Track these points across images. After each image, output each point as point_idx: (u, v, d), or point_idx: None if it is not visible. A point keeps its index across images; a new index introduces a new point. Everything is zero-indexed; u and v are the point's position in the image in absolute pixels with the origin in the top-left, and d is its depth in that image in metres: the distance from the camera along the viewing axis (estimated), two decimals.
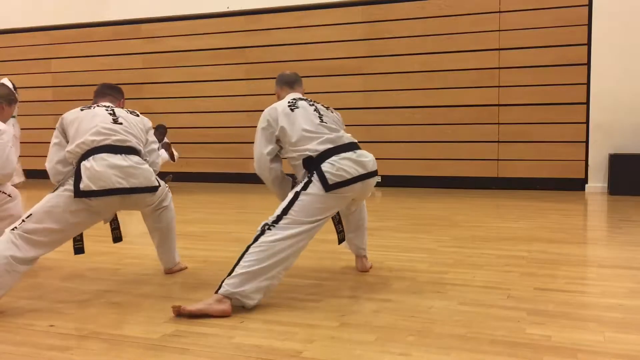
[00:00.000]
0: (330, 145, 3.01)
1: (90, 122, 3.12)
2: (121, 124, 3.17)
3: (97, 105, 3.31)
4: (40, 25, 10.36)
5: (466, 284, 3.20)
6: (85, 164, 2.95)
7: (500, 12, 8.09)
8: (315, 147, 3.00)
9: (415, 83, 8.39)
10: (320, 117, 3.12)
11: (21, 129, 8.95)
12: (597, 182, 7.77)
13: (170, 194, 3.49)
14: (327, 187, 2.90)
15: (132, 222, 5.19)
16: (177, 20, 9.71)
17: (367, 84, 8.56)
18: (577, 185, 7.84)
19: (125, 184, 2.99)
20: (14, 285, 2.88)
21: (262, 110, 3.23)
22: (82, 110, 3.23)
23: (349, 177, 2.94)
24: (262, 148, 3.15)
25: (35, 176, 9.75)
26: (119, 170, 2.98)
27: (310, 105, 3.20)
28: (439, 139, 8.40)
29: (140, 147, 3.20)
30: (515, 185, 8.02)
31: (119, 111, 3.27)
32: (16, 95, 3.90)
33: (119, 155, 3.02)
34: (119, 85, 3.59)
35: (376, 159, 3.24)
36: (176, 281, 3.40)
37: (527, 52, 7.96)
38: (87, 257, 4.06)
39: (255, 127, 3.16)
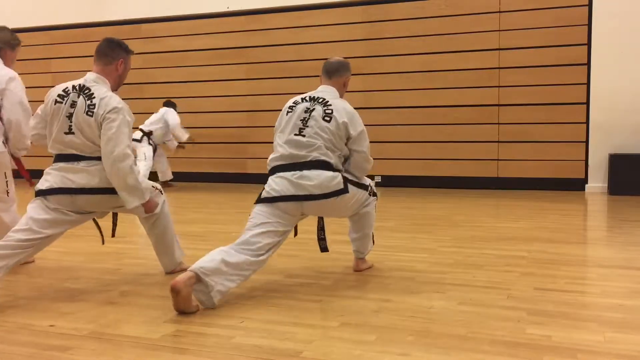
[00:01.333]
0: (279, 163, 3.15)
1: (53, 126, 3.15)
2: (73, 133, 3.10)
3: (66, 98, 3.14)
4: (40, 25, 10.37)
5: (466, 284, 3.20)
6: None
7: (500, 12, 8.10)
8: (271, 161, 3.20)
9: (415, 83, 8.39)
10: (300, 130, 3.14)
11: None
12: (597, 182, 7.77)
13: (159, 203, 3.41)
14: (257, 199, 3.12)
15: (132, 222, 5.18)
16: (177, 20, 9.71)
17: (366, 84, 8.56)
18: (577, 185, 7.84)
19: (71, 184, 3.06)
20: None
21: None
22: (57, 101, 3.14)
23: (276, 194, 3.06)
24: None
25: (36, 176, 9.75)
26: (66, 171, 3.09)
27: (305, 111, 3.18)
28: (439, 139, 8.41)
29: (89, 152, 3.11)
30: (515, 185, 8.03)
31: (76, 113, 3.10)
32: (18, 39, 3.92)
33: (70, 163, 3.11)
34: (122, 43, 3.34)
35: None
36: None
37: (527, 52, 7.96)
38: (87, 257, 4.06)
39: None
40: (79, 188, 3.07)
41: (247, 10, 9.32)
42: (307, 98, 3.25)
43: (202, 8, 9.46)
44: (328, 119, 3.14)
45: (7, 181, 3.77)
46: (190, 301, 2.74)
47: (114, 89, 3.27)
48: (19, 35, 3.99)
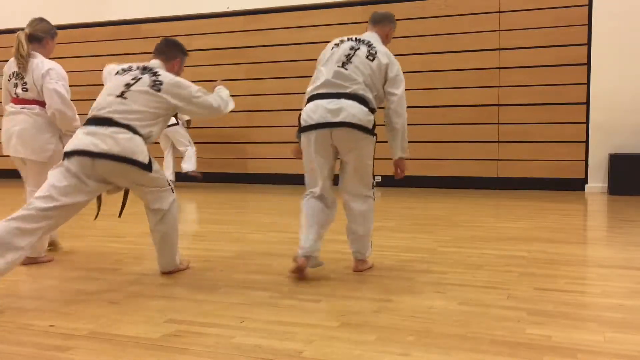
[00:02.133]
0: (319, 91, 3.30)
1: (103, 90, 3.33)
2: (125, 99, 3.21)
3: (130, 70, 3.36)
4: None
5: (466, 284, 3.20)
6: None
7: (500, 12, 8.10)
8: (311, 90, 3.35)
9: (416, 83, 8.38)
10: (343, 63, 3.29)
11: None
12: (597, 182, 7.77)
13: (169, 198, 3.42)
14: (299, 129, 3.33)
15: (132, 222, 5.18)
16: (177, 20, 9.71)
17: None
18: (577, 185, 7.84)
19: (94, 148, 3.08)
20: None
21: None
22: (118, 72, 3.36)
23: (311, 122, 3.25)
24: (311, 82, 3.45)
25: None
26: (94, 135, 3.13)
27: (351, 49, 3.34)
28: (439, 139, 8.41)
29: (126, 120, 3.17)
30: (515, 185, 8.03)
31: (136, 84, 3.25)
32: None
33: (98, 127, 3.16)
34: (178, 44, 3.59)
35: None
36: (177, 281, 3.40)
37: (527, 52, 7.96)
38: (87, 257, 4.06)
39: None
40: (101, 152, 3.09)
41: (247, 10, 9.32)
42: (354, 38, 3.43)
43: (202, 8, 9.46)
44: (371, 58, 3.33)
45: None
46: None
47: None
48: None
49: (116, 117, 3.17)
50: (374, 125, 3.30)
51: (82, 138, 3.13)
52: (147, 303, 2.95)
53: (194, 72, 9.74)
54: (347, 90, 3.24)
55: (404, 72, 3.46)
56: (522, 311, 2.72)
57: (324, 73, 3.32)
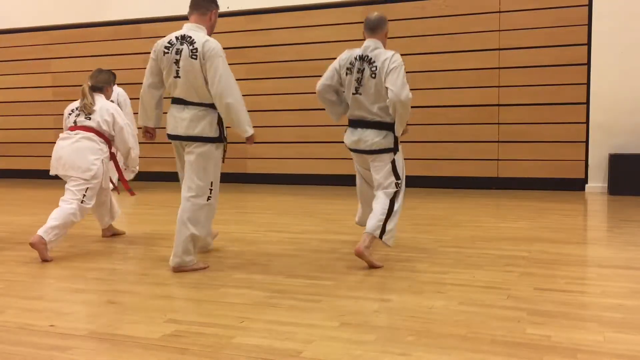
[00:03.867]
0: (350, 118, 3.94)
1: (165, 73, 3.75)
2: (180, 77, 3.60)
3: (171, 48, 3.65)
4: (40, 25, 10.36)
5: (466, 284, 3.20)
6: None
7: (500, 12, 8.09)
8: (350, 112, 3.94)
9: (415, 83, 8.37)
10: (356, 88, 3.78)
11: (22, 129, 8.96)
12: (597, 182, 7.76)
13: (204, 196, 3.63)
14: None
15: (133, 222, 5.19)
16: (177, 20, 9.68)
17: None
18: (577, 185, 7.84)
19: (180, 131, 3.65)
20: None
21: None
22: (164, 52, 3.67)
23: (349, 146, 3.94)
24: (324, 79, 3.95)
25: (37, 176, 9.76)
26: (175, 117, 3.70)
27: (358, 72, 3.77)
28: (439, 139, 8.40)
29: (191, 98, 3.65)
30: (515, 185, 8.02)
31: (182, 58, 3.60)
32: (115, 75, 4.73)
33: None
34: None
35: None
36: (177, 281, 3.40)
37: (527, 52, 7.95)
38: (86, 257, 4.06)
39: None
40: (185, 136, 3.61)
41: (247, 10, 9.31)
42: (358, 57, 3.81)
43: None
44: (374, 75, 3.73)
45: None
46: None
47: (209, 34, 3.75)
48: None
49: (184, 97, 3.72)
50: (395, 141, 3.79)
51: (170, 118, 3.73)
52: (147, 303, 2.95)
53: None
54: (366, 119, 3.80)
55: None
56: (522, 311, 2.72)
57: (347, 101, 3.89)
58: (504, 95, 8.11)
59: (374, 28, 3.85)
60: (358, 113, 3.82)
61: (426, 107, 8.37)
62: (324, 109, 4.12)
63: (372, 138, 3.78)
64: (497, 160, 8.20)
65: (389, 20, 4.05)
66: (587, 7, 7.72)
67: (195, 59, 3.54)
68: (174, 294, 3.21)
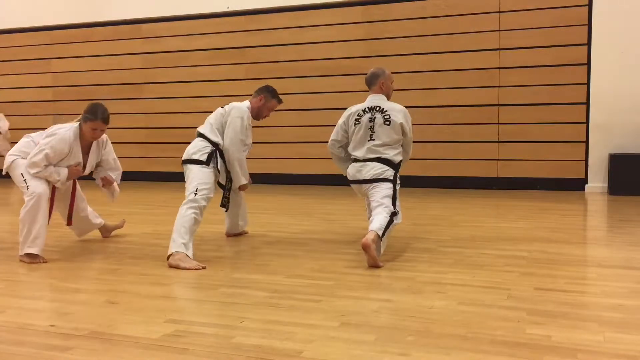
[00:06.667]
0: (354, 158, 4.19)
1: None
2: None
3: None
4: (40, 25, 10.36)
5: (466, 284, 3.20)
6: None
7: (500, 12, 8.09)
8: (351, 153, 4.21)
9: (416, 83, 8.39)
10: (370, 136, 4.07)
11: (22, 129, 8.95)
12: (597, 182, 7.77)
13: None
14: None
15: (133, 222, 5.18)
16: (177, 20, 9.71)
17: None
18: (577, 185, 7.84)
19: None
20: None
21: None
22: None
23: (350, 178, 4.19)
24: (333, 135, 4.32)
25: None
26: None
27: (370, 120, 4.06)
28: (439, 139, 8.40)
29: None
30: (515, 185, 8.03)
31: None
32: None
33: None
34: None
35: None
36: (177, 281, 3.40)
37: (527, 52, 7.96)
38: (87, 257, 4.06)
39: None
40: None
41: (247, 10, 9.32)
42: (367, 109, 4.11)
43: (202, 8, 9.46)
44: (388, 122, 4.05)
45: None
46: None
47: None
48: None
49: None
50: (394, 174, 4.14)
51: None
52: (147, 303, 2.94)
53: (194, 72, 9.76)
54: (374, 156, 4.09)
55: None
56: (522, 311, 2.72)
57: (356, 148, 4.14)
58: (504, 95, 8.12)
59: (369, 84, 4.20)
60: (360, 153, 4.11)
61: (426, 107, 8.38)
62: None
63: (374, 168, 4.05)
64: (497, 160, 8.20)
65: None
66: (587, 7, 7.72)
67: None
68: (174, 294, 3.21)
